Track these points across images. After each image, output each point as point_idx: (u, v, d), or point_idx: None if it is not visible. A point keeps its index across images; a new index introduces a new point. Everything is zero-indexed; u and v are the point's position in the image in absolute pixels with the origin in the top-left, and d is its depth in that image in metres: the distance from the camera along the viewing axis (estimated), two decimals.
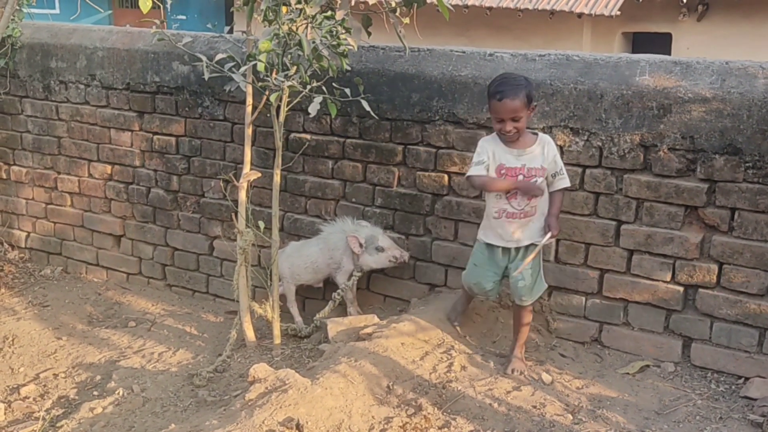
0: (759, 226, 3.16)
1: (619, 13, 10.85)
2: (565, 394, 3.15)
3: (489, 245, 3.32)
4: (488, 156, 3.19)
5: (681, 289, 3.35)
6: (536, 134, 3.25)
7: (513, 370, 3.27)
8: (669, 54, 9.17)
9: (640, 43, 11.72)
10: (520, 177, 3.17)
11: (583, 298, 3.57)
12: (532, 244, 3.23)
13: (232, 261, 4.28)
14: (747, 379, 3.24)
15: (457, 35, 11.67)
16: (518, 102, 3.07)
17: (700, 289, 3.32)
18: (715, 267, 3.27)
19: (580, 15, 11.12)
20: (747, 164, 3.14)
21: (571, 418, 2.95)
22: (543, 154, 3.20)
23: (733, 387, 3.23)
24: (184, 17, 16.29)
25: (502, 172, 3.19)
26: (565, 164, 3.50)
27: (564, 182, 3.27)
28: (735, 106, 3.13)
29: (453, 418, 2.90)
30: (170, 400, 3.39)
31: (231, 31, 4.02)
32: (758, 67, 3.18)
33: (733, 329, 3.27)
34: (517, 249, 3.26)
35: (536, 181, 3.17)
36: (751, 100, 3.11)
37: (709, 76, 3.23)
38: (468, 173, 3.28)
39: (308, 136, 4.16)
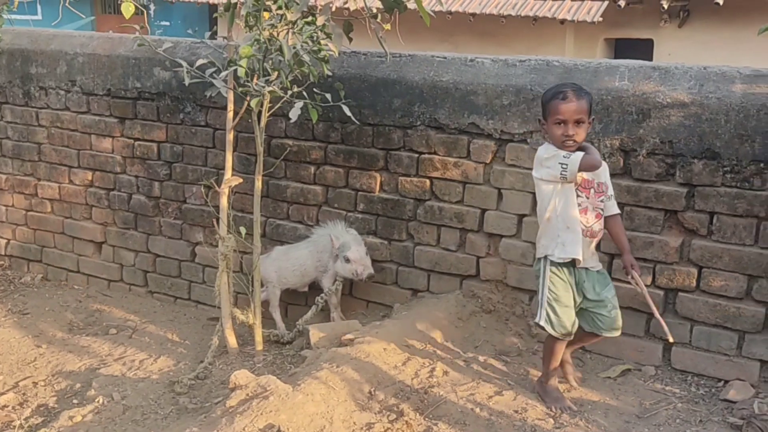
0: (737, 230, 3.18)
1: (601, 19, 10.94)
2: None
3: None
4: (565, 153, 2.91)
5: (661, 292, 3.36)
6: None
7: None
8: (651, 60, 9.25)
9: (622, 49, 11.81)
10: (592, 191, 2.98)
11: None
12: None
13: (214, 267, 4.26)
14: (727, 381, 3.26)
15: (440, 41, 11.70)
16: (584, 103, 2.90)
17: (680, 293, 3.34)
18: (694, 271, 3.29)
19: (562, 21, 11.19)
20: (725, 168, 3.17)
21: (553, 422, 2.95)
22: (606, 173, 3.05)
23: (713, 390, 3.25)
24: (167, 23, 16.25)
25: (578, 182, 2.95)
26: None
27: (616, 207, 3.10)
28: (713, 110, 3.16)
29: (435, 423, 2.89)
30: (151, 407, 3.37)
31: (213, 37, 4.02)
32: (735, 72, 3.22)
33: (712, 332, 3.29)
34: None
35: (602, 200, 3.01)
36: (728, 104, 3.14)
37: (688, 81, 3.26)
38: (576, 161, 2.87)
39: (290, 142, 4.15)
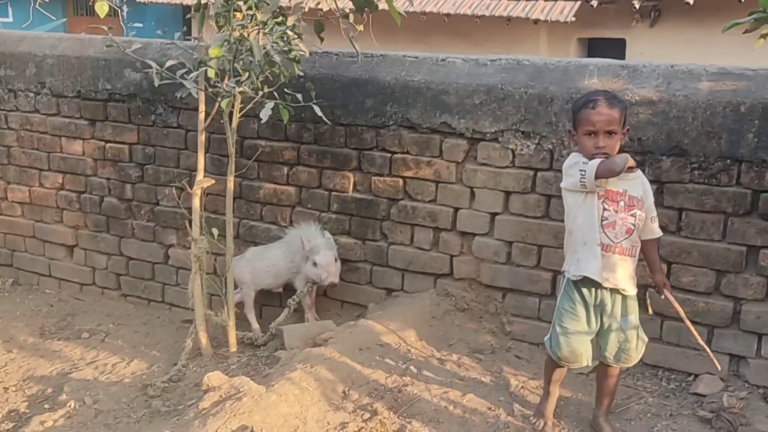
0: (705, 226, 3.23)
1: (574, 19, 11.02)
2: (521, 395, 3.17)
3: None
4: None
5: None
6: (634, 168, 2.79)
7: None
8: (623, 59, 9.33)
9: (595, 48, 11.91)
10: (621, 204, 2.72)
11: (537, 300, 3.61)
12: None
13: (187, 269, 4.23)
14: (697, 376, 3.30)
15: (415, 42, 11.72)
16: (616, 112, 2.69)
17: (650, 289, 3.36)
18: (664, 266, 3.32)
19: (536, 21, 11.26)
20: (693, 165, 3.21)
21: (526, 419, 2.97)
22: (643, 188, 2.80)
23: (684, 384, 3.29)
24: (141, 25, 16.11)
25: (601, 193, 2.73)
26: (517, 167, 3.56)
27: (659, 230, 2.90)
28: (680, 108, 3.20)
29: (408, 421, 2.90)
30: (123, 411, 3.34)
31: (186, 38, 4.00)
32: (702, 70, 3.26)
33: (682, 327, 3.28)
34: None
35: (636, 213, 2.75)
36: (695, 102, 3.18)
37: (655, 79, 3.30)
38: (593, 167, 2.65)
39: (263, 143, 4.14)
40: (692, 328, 2.84)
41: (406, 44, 10.85)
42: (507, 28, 11.63)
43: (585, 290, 2.79)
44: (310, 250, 3.82)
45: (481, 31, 11.79)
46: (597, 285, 2.75)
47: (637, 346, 2.83)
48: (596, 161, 2.67)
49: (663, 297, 2.88)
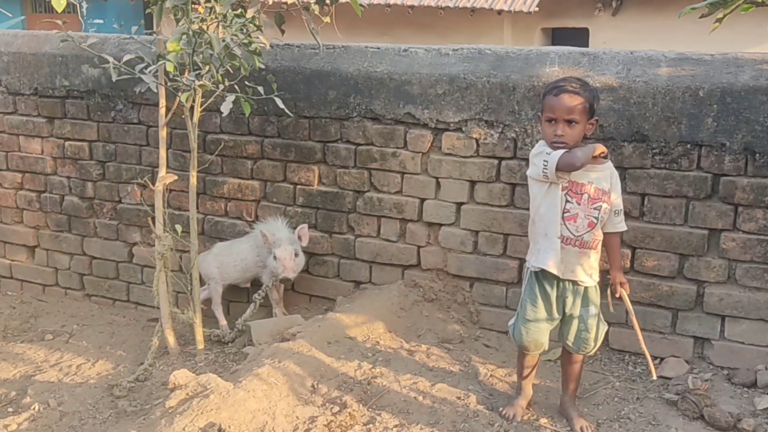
0: (667, 211, 3.26)
1: (537, 9, 11.10)
2: (490, 383, 3.18)
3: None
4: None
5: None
6: (605, 157, 2.79)
7: (583, 429, 2.83)
8: None
9: (559, 38, 12.00)
10: (585, 197, 2.69)
11: (504, 288, 3.62)
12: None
13: (152, 267, 4.14)
14: (662, 359, 3.34)
15: (380, 34, 11.71)
16: (579, 101, 2.65)
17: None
18: (628, 252, 3.36)
19: (500, 12, 11.31)
20: (654, 151, 3.24)
21: (495, 407, 2.98)
22: (609, 181, 2.75)
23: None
24: (101, 21, 15.85)
25: (565, 185, 2.71)
26: (481, 157, 3.56)
27: (624, 225, 2.85)
28: (640, 94, 3.23)
29: (378, 413, 2.89)
30: (89, 412, 3.28)
31: (146, 32, 3.93)
32: (661, 56, 3.29)
33: (647, 311, 3.36)
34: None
35: (601, 206, 2.71)
36: (655, 88, 3.20)
37: (616, 65, 3.32)
38: (555, 158, 2.62)
39: (226, 137, 4.09)
40: (639, 332, 2.81)
41: (371, 37, 10.82)
42: (471, 20, 11.66)
43: (546, 281, 2.81)
44: (273, 243, 3.79)
45: (446, 23, 11.82)
46: (557, 277, 2.77)
47: (597, 335, 2.84)
48: (559, 153, 2.64)
49: (617, 296, 2.85)
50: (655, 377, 2.90)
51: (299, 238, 3.83)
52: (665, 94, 3.18)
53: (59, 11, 3.28)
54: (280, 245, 3.77)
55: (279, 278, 3.81)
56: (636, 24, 11.22)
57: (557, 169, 2.64)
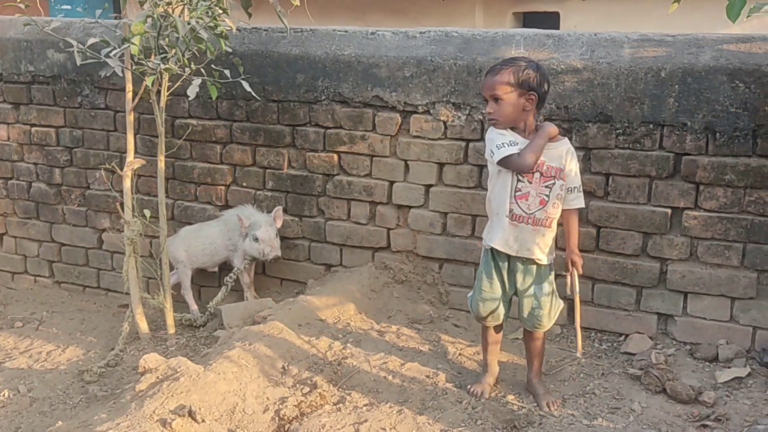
0: (631, 190, 3.31)
1: None
2: (458, 362, 3.23)
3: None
4: (511, 139, 2.73)
5: (563, 254, 3.47)
6: (563, 136, 2.87)
7: (549, 404, 2.88)
8: None
9: (530, 22, 11.98)
10: (537, 175, 2.74)
11: (473, 269, 3.65)
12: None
13: (122, 253, 4.14)
14: (627, 335, 3.41)
15: (353, 20, 11.61)
16: (499, 79, 2.68)
17: (582, 253, 3.44)
18: (593, 231, 3.41)
19: None
20: (617, 131, 3.29)
21: (464, 385, 3.03)
22: (564, 158, 2.77)
23: (615, 344, 3.39)
24: (69, 7, 15.56)
25: None
26: (449, 139, 3.59)
27: (580, 201, 2.84)
28: (604, 75, 3.27)
29: (348, 393, 2.92)
30: (59, 398, 3.28)
31: (112, 16, 3.90)
32: (624, 38, 3.33)
33: (612, 289, 3.43)
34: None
35: (554, 183, 2.76)
36: (618, 69, 3.25)
37: (580, 47, 3.36)
38: (500, 156, 2.71)
39: (194, 122, 4.08)
40: (578, 312, 2.84)
41: (342, 22, 10.75)
42: (443, 5, 11.63)
43: (498, 258, 2.89)
44: (250, 226, 3.80)
45: (418, 8, 11.77)
46: (508, 254, 2.84)
47: (550, 313, 2.89)
48: (505, 152, 2.68)
49: (568, 273, 2.88)
50: (579, 354, 2.91)
51: (274, 220, 3.85)
52: (628, 75, 3.23)
53: None
54: (260, 226, 3.78)
55: (268, 258, 3.83)
56: (607, 8, 11.25)
57: (505, 167, 2.74)
